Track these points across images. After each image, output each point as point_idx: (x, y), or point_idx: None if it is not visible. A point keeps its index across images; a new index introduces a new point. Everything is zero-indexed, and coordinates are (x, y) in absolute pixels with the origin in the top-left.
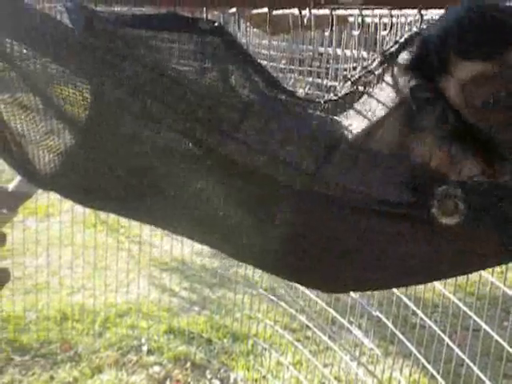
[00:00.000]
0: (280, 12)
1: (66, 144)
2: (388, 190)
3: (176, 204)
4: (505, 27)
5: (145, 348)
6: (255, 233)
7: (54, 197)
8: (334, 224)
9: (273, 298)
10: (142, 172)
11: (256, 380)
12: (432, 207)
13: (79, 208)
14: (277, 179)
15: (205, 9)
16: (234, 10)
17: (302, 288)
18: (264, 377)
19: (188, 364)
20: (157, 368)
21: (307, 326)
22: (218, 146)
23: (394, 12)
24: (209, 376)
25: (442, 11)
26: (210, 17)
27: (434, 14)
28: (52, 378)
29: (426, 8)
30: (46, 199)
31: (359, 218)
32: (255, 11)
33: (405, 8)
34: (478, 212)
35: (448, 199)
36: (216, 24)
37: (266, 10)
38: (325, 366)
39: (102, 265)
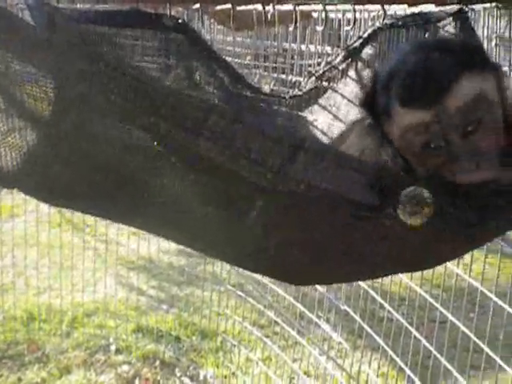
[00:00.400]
0: (244, 8)
1: (29, 141)
2: (354, 190)
3: (142, 201)
4: (442, 75)
5: (113, 347)
6: (223, 228)
7: (19, 197)
8: (301, 220)
9: (241, 294)
10: (106, 169)
11: (226, 376)
12: (397, 208)
13: (44, 207)
14: (242, 176)
15: (168, 5)
16: (197, 6)
17: (270, 284)
18: (233, 373)
19: (157, 362)
20: (125, 367)
21: (276, 322)
22: (182, 142)
23: (358, 7)
24: (178, 374)
25: (404, 6)
26: (173, 13)
27: (396, 9)
28: (20, 379)
29: (389, 3)
30: (10, 200)
31: (326, 215)
32: (219, 7)
33: (368, 3)
34: (442, 214)
35: (413, 200)
36: (180, 20)
37: (229, 6)
38: (294, 360)
39: (68, 264)
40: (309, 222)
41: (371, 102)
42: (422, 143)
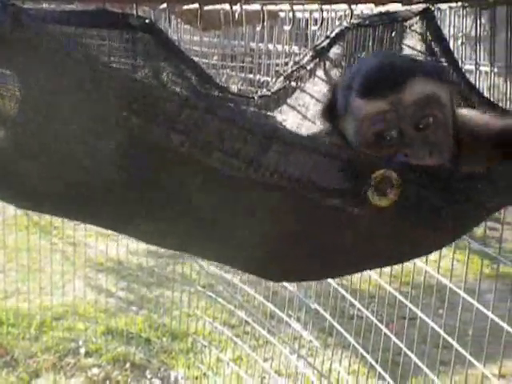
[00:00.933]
0: (211, 8)
1: None
2: (327, 176)
3: (111, 198)
4: (399, 72)
5: (82, 350)
6: (198, 224)
7: None
8: (276, 212)
9: (211, 294)
10: (75, 168)
11: (197, 377)
12: (368, 190)
13: (11, 210)
14: (216, 168)
15: (135, 5)
16: (164, 5)
17: (240, 284)
18: (205, 374)
19: (127, 365)
20: (95, 370)
21: (246, 322)
22: (155, 137)
23: (325, 7)
24: (149, 376)
25: (371, 5)
26: (140, 13)
27: (363, 8)
28: None
29: (356, 3)
30: None
31: (300, 206)
32: (186, 7)
33: (335, 3)
34: (411, 197)
35: (383, 182)
36: (146, 20)
37: (196, 5)
38: (265, 360)
39: (36, 267)
40: (283, 214)
41: (330, 110)
42: (376, 133)
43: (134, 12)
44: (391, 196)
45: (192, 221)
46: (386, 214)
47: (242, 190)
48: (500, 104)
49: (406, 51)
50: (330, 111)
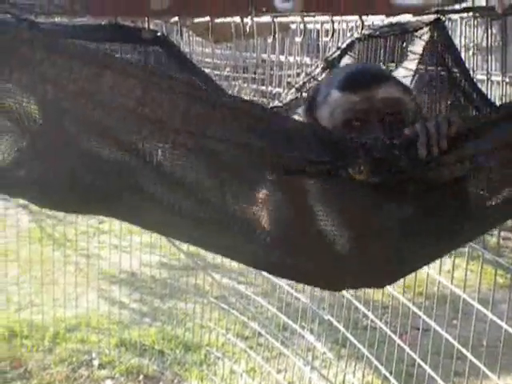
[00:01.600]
0: (222, 20)
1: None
2: (312, 150)
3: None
4: (374, 76)
5: (96, 362)
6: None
7: None
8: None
9: (224, 306)
10: (98, 169)
11: None
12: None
13: (24, 222)
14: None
15: (147, 19)
16: (176, 19)
17: (253, 295)
18: None
19: (141, 377)
20: (109, 382)
21: (259, 333)
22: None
23: (336, 18)
24: None
25: (382, 16)
26: (152, 26)
27: (374, 19)
28: None
29: (367, 14)
30: None
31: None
32: (197, 20)
33: (346, 14)
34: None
35: (357, 159)
36: (158, 33)
37: (208, 18)
38: (278, 372)
39: (49, 279)
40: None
41: (312, 107)
42: (345, 121)
43: (146, 26)
44: (364, 172)
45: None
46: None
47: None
48: None
49: (412, 59)
50: (312, 107)
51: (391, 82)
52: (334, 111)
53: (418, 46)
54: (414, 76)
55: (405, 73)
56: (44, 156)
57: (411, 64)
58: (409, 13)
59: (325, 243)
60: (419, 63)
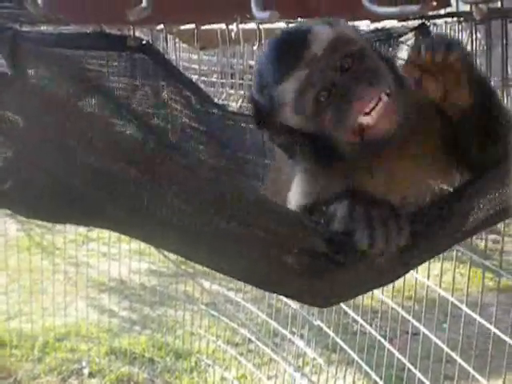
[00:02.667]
0: (208, 27)
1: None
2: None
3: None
4: (294, 40)
5: (86, 371)
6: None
7: None
8: None
9: (214, 313)
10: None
11: None
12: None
13: (12, 231)
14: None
15: (132, 27)
16: (161, 26)
17: (242, 302)
18: None
19: None
20: None
21: (250, 340)
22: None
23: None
24: None
25: (367, 22)
26: (138, 34)
27: (359, 24)
28: None
29: (352, 20)
30: None
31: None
32: (183, 27)
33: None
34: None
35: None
36: (144, 41)
37: (193, 25)
38: (269, 378)
39: (38, 288)
40: None
41: (262, 117)
42: (313, 100)
43: (132, 33)
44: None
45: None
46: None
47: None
48: None
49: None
50: (263, 119)
51: (316, 28)
52: (295, 104)
53: (404, 52)
54: None
55: None
56: (28, 166)
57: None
58: (394, 19)
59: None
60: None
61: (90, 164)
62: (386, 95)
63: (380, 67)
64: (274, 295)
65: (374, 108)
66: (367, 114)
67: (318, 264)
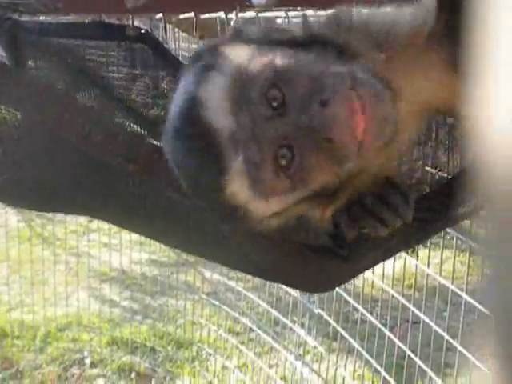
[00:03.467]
0: (207, 16)
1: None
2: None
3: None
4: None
5: (88, 361)
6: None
7: None
8: None
9: (215, 302)
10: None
11: None
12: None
13: (13, 222)
14: None
15: (131, 16)
16: (160, 15)
17: (243, 291)
18: (210, 382)
19: (133, 374)
20: (101, 380)
21: (251, 329)
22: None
23: (321, 13)
24: None
25: None
26: (137, 23)
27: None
28: None
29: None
30: None
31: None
32: (182, 16)
33: (331, 8)
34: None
35: None
36: (142, 31)
37: (192, 14)
38: (270, 367)
39: (39, 279)
40: None
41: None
42: (273, 173)
43: (130, 23)
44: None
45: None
46: None
47: None
48: None
49: None
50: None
51: (220, 72)
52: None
53: None
54: None
55: None
56: (25, 159)
57: None
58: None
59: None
60: None
61: (87, 157)
62: (359, 98)
63: (327, 67)
64: (275, 284)
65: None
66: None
67: (324, 257)
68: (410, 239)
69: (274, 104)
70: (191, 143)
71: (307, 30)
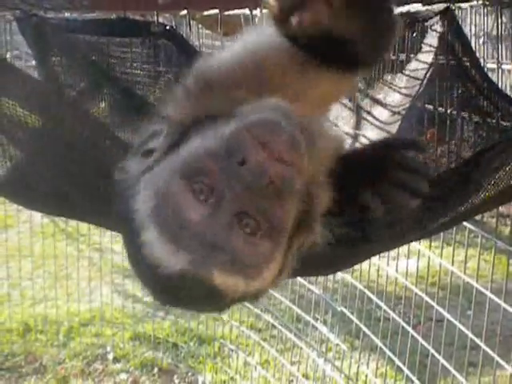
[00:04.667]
0: (231, 13)
1: (16, 153)
2: None
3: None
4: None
5: (110, 356)
6: None
7: (12, 208)
8: None
9: None
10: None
11: (224, 382)
12: None
13: (37, 218)
14: None
15: (156, 12)
16: (185, 12)
17: None
18: (232, 378)
19: (155, 370)
20: (123, 375)
21: (273, 325)
22: None
23: None
24: (176, 380)
25: None
26: (161, 20)
27: None
28: None
29: None
30: (3, 210)
31: None
32: (206, 12)
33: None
34: None
35: None
36: (167, 27)
37: (216, 11)
38: (292, 363)
39: (63, 274)
40: None
41: None
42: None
43: (155, 19)
44: None
45: None
46: None
47: None
48: None
49: (428, 51)
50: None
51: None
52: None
53: (431, 38)
54: (428, 69)
55: (418, 66)
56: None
57: (426, 57)
58: (418, 2)
59: None
60: (434, 56)
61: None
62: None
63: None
64: (298, 281)
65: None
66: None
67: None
68: (421, 219)
69: (202, 197)
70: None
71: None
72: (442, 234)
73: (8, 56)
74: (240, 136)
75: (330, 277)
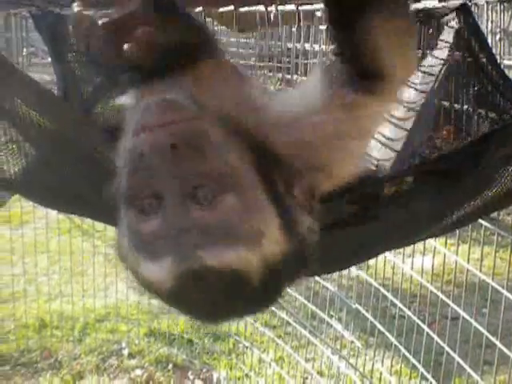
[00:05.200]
0: (247, 9)
1: (31, 151)
2: None
3: None
4: None
5: (126, 352)
6: None
7: (28, 204)
8: None
9: None
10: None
11: (239, 378)
12: None
13: (53, 214)
14: None
15: None
16: (200, 8)
17: None
18: (247, 375)
19: (170, 366)
20: (139, 371)
21: (288, 322)
22: None
23: None
24: (191, 377)
25: None
26: None
27: None
28: None
29: None
30: (19, 207)
31: None
32: (221, 9)
33: None
34: None
35: None
36: None
37: (232, 8)
38: (307, 360)
39: (78, 270)
40: None
41: None
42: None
43: None
44: None
45: None
46: None
47: None
48: None
49: (443, 48)
50: None
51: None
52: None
53: (447, 35)
54: (443, 65)
55: (434, 62)
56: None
57: (441, 53)
58: None
59: None
60: (450, 52)
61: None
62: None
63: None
64: (312, 278)
65: None
66: None
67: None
68: (433, 200)
69: (152, 209)
70: None
71: None
72: (457, 231)
73: (24, 53)
74: (133, 141)
75: (345, 274)
